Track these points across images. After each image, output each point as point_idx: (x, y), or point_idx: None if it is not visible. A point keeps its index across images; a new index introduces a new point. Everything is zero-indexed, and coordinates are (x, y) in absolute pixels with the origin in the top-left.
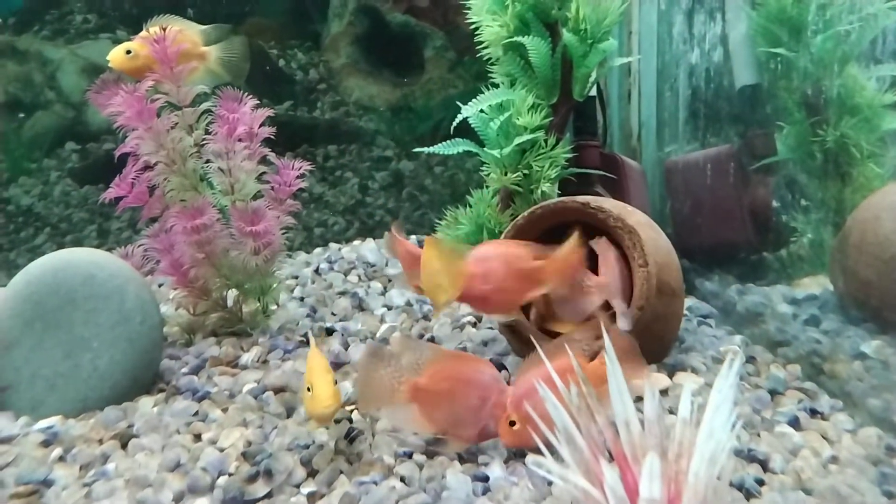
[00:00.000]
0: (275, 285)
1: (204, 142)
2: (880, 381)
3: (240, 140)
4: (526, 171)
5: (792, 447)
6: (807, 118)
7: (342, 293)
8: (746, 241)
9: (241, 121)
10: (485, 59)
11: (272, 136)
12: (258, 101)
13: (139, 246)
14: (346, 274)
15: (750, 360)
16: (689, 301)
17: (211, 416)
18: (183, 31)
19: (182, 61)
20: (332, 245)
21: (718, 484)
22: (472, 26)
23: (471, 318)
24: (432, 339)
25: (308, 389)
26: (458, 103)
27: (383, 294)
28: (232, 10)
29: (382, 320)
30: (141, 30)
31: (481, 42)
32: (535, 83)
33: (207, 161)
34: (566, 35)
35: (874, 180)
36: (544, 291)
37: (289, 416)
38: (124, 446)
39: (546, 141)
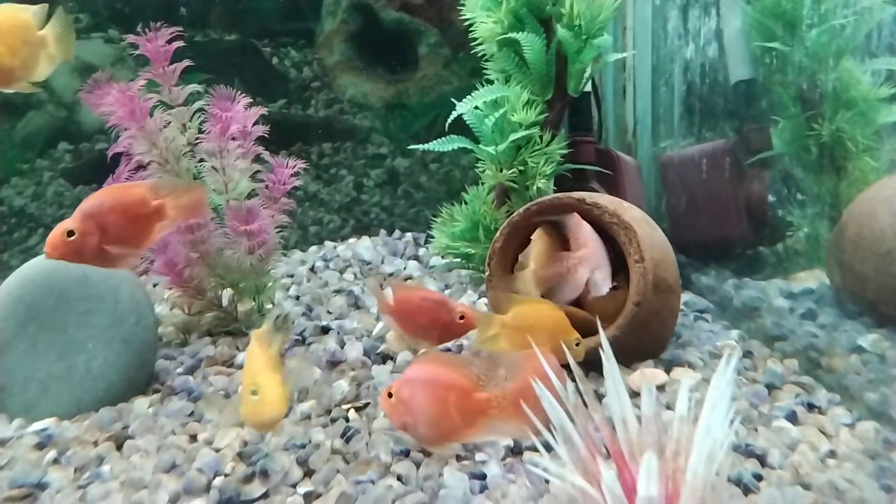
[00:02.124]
0: (270, 284)
1: (197, 140)
2: (877, 374)
3: (233, 139)
4: (521, 168)
5: (790, 442)
6: (802, 112)
7: (338, 291)
8: (742, 235)
9: (235, 119)
10: (479, 55)
11: (266, 135)
12: (251, 100)
13: None
14: (341, 272)
15: (747, 354)
16: (685, 296)
17: (206, 417)
18: (21, 18)
19: (25, 52)
20: (328, 243)
21: (717, 481)
22: (467, 23)
23: None
24: None
25: (254, 393)
26: (453, 100)
27: None
28: (225, 7)
29: (378, 318)
30: (133, 29)
31: (476, 39)
32: (530, 79)
33: (201, 160)
34: (560, 31)
35: (870, 174)
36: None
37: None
38: (119, 448)
39: (541, 137)
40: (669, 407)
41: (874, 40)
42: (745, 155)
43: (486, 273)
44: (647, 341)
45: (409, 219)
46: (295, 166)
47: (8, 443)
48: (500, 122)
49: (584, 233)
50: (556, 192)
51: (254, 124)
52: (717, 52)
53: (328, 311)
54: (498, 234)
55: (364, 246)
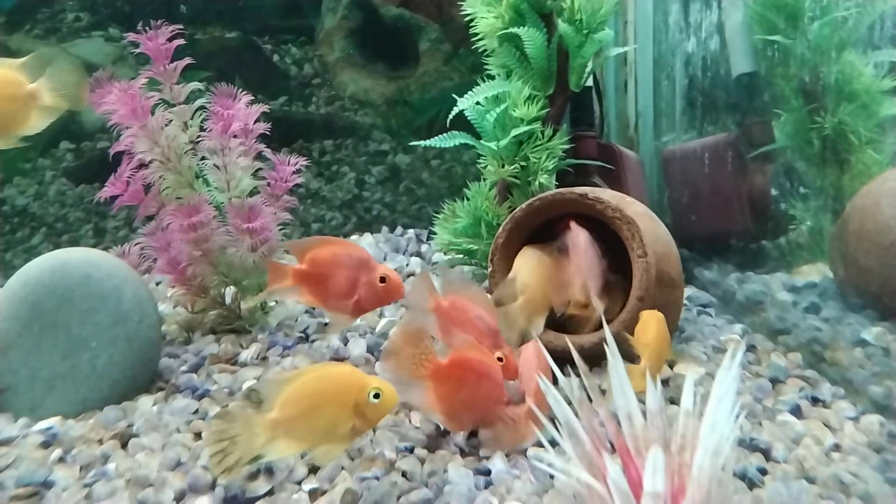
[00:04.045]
0: None
1: (199, 139)
2: (881, 367)
3: (235, 136)
4: (523, 163)
5: (794, 436)
6: (804, 105)
7: None
8: (745, 229)
9: (236, 117)
10: (480, 50)
11: (267, 132)
12: (252, 97)
13: (136, 244)
14: None
15: (750, 348)
16: (688, 291)
17: (211, 414)
18: (3, 74)
19: (9, 108)
20: None
21: (722, 475)
22: (467, 18)
23: None
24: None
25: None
26: (454, 96)
27: None
28: (225, 5)
29: (381, 315)
30: (133, 27)
31: (476, 34)
32: (532, 74)
33: (203, 158)
34: (562, 25)
35: (873, 167)
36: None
37: None
38: (124, 446)
39: (543, 132)
40: (673, 401)
41: (876, 32)
42: (747, 148)
43: (489, 269)
44: None
45: (412, 215)
46: (297, 163)
47: (13, 442)
48: (501, 117)
49: (579, 258)
50: (558, 187)
51: (255, 122)
52: (719, 45)
53: None
54: (500, 229)
55: (366, 243)
